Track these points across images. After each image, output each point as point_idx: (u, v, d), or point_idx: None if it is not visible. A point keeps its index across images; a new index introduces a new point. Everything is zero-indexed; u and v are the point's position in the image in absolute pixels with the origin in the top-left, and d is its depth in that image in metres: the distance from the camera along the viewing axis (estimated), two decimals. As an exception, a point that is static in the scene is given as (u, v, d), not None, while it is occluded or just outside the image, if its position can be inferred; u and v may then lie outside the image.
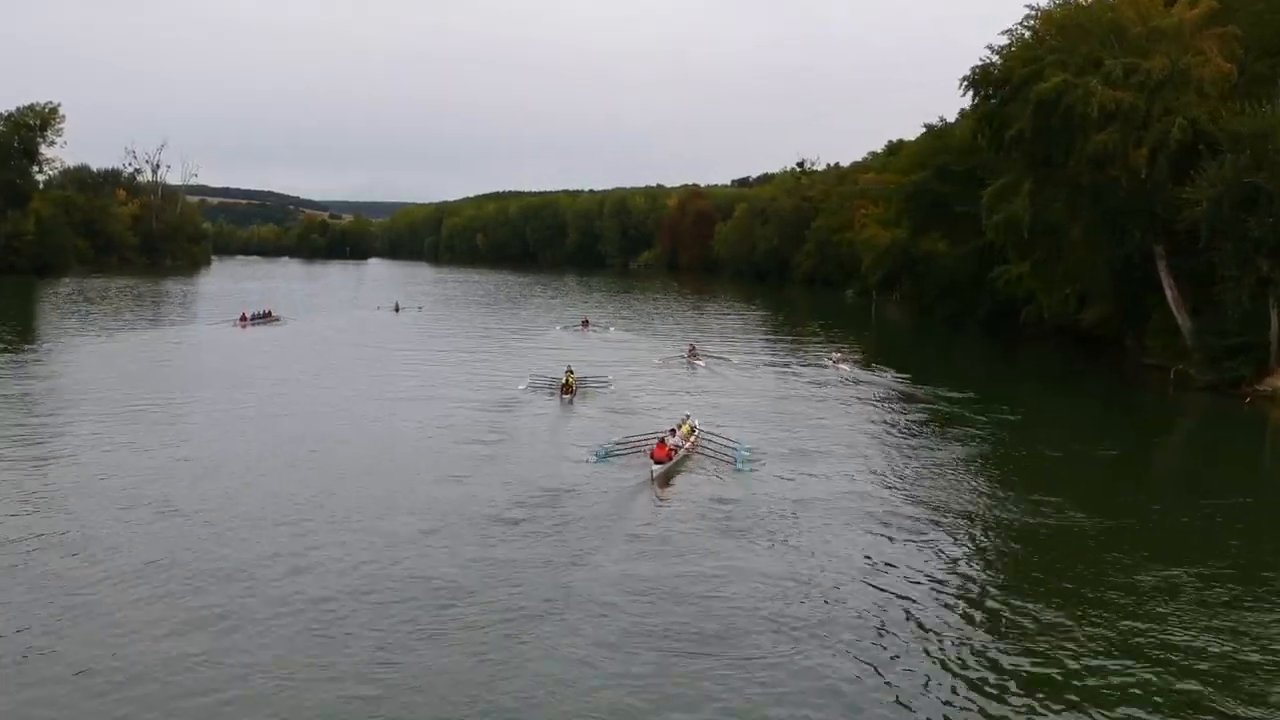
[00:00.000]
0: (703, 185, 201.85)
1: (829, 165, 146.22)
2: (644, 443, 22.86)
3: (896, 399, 34.28)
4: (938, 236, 55.14)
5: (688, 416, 25.25)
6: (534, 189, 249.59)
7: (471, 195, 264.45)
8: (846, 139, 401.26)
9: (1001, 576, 16.07)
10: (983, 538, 18.07)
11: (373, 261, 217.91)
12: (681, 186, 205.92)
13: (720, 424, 26.08)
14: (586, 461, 22.40)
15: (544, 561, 15.66)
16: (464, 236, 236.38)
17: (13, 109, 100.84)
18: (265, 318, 56.98)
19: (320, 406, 30.23)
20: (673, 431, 23.21)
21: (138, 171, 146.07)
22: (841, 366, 41.49)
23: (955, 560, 16.55)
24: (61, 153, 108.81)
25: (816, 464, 23.24)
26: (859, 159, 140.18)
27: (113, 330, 52.41)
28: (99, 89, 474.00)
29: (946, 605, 14.33)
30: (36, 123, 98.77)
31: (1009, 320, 49.66)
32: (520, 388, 33.22)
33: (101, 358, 40.99)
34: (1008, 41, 41.96)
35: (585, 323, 56.39)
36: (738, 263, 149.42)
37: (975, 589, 15.28)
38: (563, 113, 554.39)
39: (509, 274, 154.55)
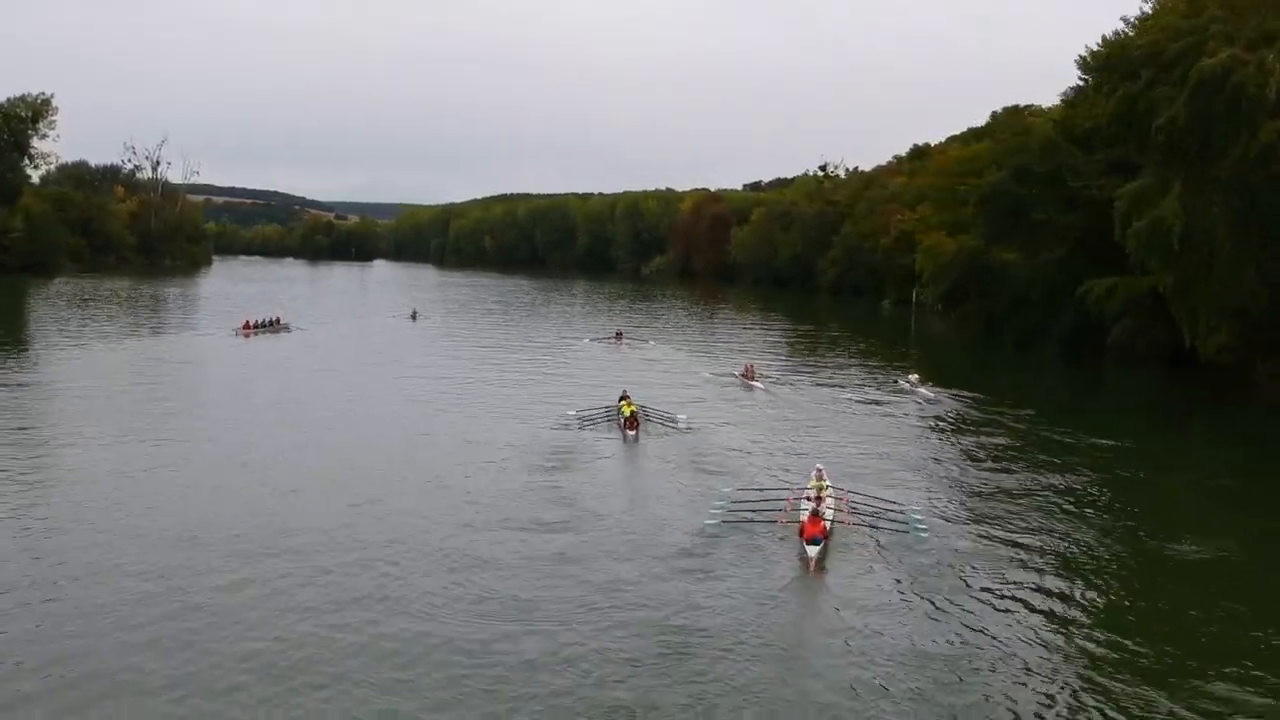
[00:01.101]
0: (712, 189, 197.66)
1: (849, 170, 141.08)
2: (769, 504, 18.07)
3: (1005, 432, 29.26)
4: (1011, 245, 49.57)
5: (819, 470, 19.94)
6: (535, 190, 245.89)
7: (476, 196, 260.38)
8: (857, 140, 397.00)
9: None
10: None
11: (378, 263, 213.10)
12: (692, 190, 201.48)
13: (829, 469, 20.91)
14: (702, 531, 17.39)
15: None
16: (471, 239, 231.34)
17: (2, 100, 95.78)
18: (271, 326, 51.74)
19: (339, 442, 25.41)
20: (816, 498, 17.90)
21: (137, 169, 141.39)
22: (921, 390, 36.39)
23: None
24: (57, 147, 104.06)
25: (982, 521, 18.93)
26: (881, 162, 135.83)
27: (96, 338, 47.37)
28: (100, 88, 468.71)
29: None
30: (28, 115, 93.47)
31: (1094, 341, 44.36)
32: (570, 414, 28.53)
33: (79, 371, 36.01)
34: (1149, 11, 35.96)
35: (619, 335, 51.17)
36: (756, 269, 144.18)
37: None
38: (564, 114, 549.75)
39: (519, 278, 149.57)
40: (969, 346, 57.67)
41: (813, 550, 15.42)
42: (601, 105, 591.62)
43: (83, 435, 24.48)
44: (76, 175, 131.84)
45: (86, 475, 20.60)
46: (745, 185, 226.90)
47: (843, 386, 38.82)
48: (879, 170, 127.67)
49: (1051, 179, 45.31)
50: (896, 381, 38.72)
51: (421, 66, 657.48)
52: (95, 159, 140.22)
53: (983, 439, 28.13)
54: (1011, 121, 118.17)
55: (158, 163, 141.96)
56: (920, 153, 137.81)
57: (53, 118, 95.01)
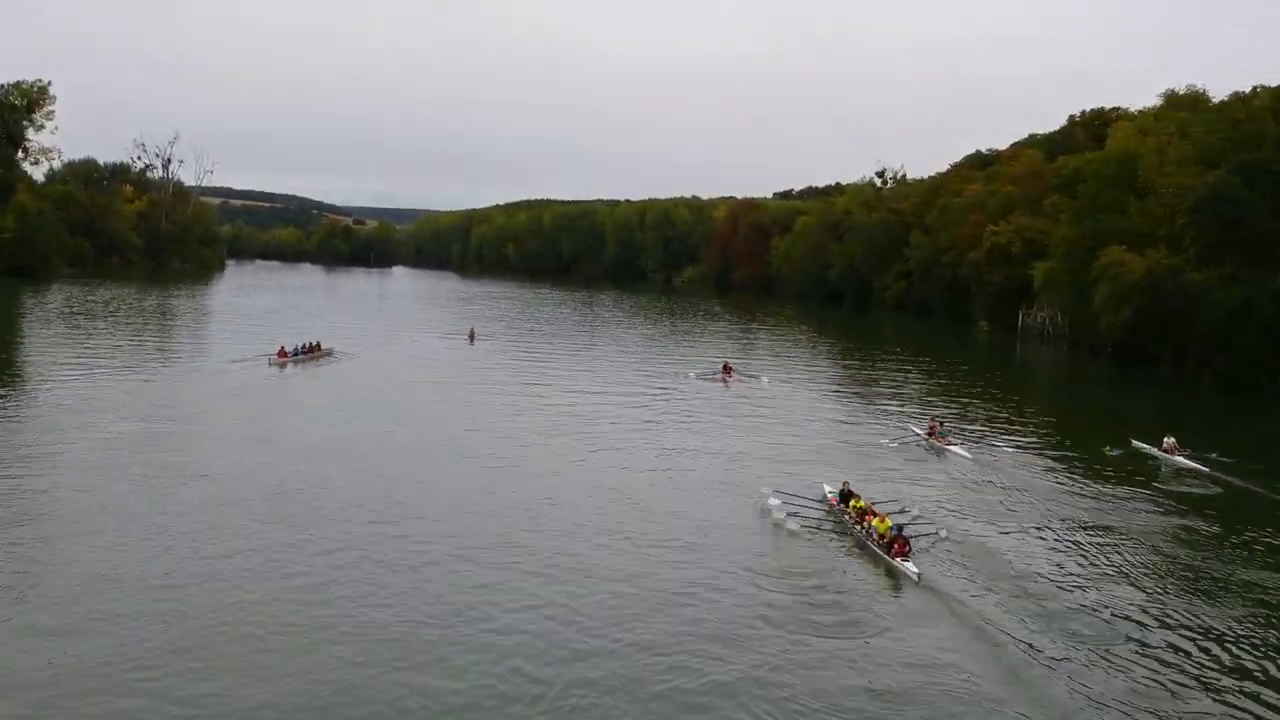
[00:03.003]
0: (738, 197, 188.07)
1: (897, 176, 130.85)
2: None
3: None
4: (1223, 264, 39.17)
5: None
6: (554, 197, 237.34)
7: (498, 203, 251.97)
8: (886, 149, 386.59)
9: None
10: None
11: (397, 270, 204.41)
12: (719, 198, 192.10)
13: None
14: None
15: None
16: (493, 246, 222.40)
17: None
18: (310, 352, 42.49)
19: (451, 517, 18.90)
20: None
21: (149, 167, 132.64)
22: (1179, 458, 26.62)
23: None
24: (59, 142, 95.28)
25: None
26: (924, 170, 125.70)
27: (78, 365, 37.83)
28: (114, 87, 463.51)
29: None
30: (23, 103, 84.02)
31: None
32: (772, 503, 20.62)
33: (49, 426, 26.53)
34: None
35: (727, 369, 40.90)
36: (803, 282, 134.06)
37: None
38: (583, 121, 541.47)
39: (549, 288, 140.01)
40: (1154, 388, 46.30)
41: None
42: (621, 113, 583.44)
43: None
44: (84, 173, 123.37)
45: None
46: (775, 194, 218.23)
47: (1063, 451, 28.99)
48: (946, 176, 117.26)
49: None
50: (1132, 443, 28.75)
51: (447, 74, 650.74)
52: (109, 158, 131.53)
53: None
54: (1091, 123, 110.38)
55: (169, 161, 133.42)
56: (985, 159, 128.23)
57: (50, 107, 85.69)
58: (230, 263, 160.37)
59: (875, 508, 19.77)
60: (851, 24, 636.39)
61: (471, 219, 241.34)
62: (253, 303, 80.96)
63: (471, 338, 54.52)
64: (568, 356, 48.90)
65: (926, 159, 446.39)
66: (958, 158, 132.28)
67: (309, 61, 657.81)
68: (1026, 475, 25.29)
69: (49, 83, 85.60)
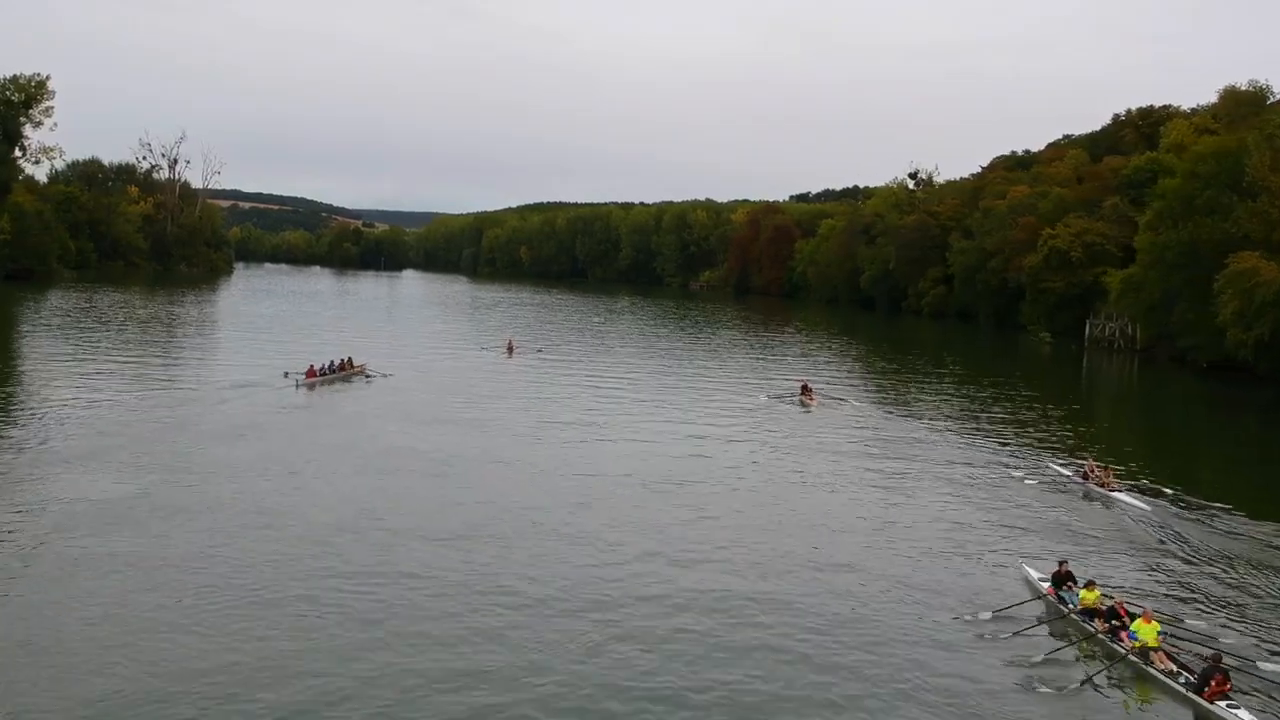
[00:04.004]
0: (752, 200, 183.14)
1: (925, 179, 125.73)
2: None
3: None
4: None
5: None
6: (565, 201, 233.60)
7: (511, 206, 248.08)
8: (906, 153, 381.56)
9: None
10: None
11: (407, 273, 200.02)
12: (734, 202, 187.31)
13: None
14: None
15: None
16: (506, 249, 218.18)
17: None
18: (342, 370, 37.58)
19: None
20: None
21: (155, 168, 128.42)
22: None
23: None
24: (60, 140, 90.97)
25: None
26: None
27: (68, 381, 33.07)
28: (121, 88, 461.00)
29: None
30: (19, 99, 79.25)
31: None
32: (989, 614, 14.89)
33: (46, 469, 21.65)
34: None
35: (806, 390, 35.72)
36: (830, 287, 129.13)
37: None
38: (596, 126, 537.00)
39: (566, 292, 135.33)
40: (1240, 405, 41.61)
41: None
42: (632, 118, 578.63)
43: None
44: (88, 173, 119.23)
45: None
46: (791, 197, 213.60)
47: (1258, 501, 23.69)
48: (985, 178, 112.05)
49: None
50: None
51: (456, 78, 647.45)
52: (114, 159, 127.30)
53: None
54: (1139, 122, 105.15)
55: (175, 161, 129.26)
56: (1020, 161, 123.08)
57: (49, 103, 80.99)
58: (239, 266, 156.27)
59: (1128, 605, 14.22)
60: (863, 28, 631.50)
61: (483, 222, 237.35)
62: (259, 309, 76.20)
63: (510, 350, 49.74)
64: (623, 374, 43.82)
65: (944, 161, 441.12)
66: (976, 160, 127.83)
67: (319, 63, 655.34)
68: (1240, 540, 20.19)
69: (47, 77, 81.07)
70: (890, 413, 35.25)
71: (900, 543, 18.64)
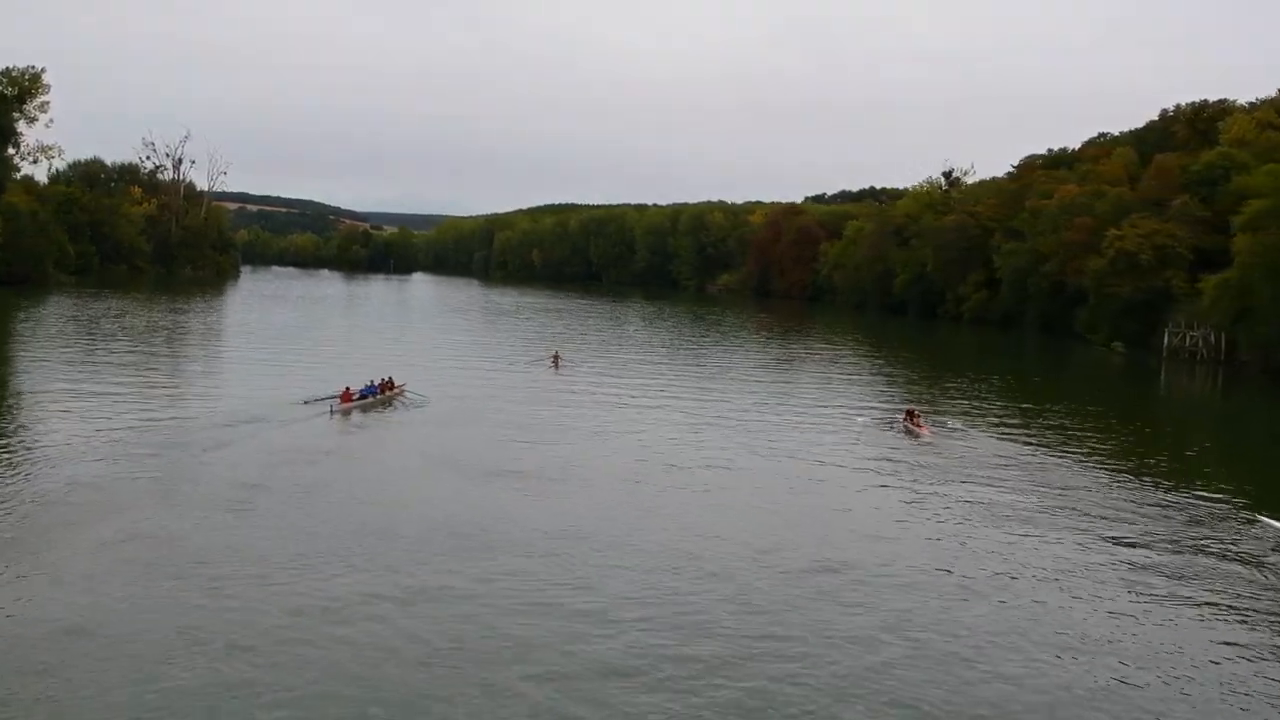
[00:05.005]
0: (769, 202, 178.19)
1: (953, 179, 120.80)
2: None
3: None
4: None
5: None
6: (579, 201, 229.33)
7: (521, 208, 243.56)
8: (917, 155, 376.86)
9: None
10: None
11: (417, 277, 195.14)
12: (751, 203, 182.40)
13: None
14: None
15: None
16: (517, 252, 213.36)
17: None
18: (382, 391, 32.54)
19: None
20: None
21: (158, 168, 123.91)
22: None
23: None
24: (58, 137, 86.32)
25: None
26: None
27: (57, 412, 28.05)
28: (127, 89, 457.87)
29: None
30: (12, 92, 74.34)
31: None
32: None
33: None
34: None
35: (912, 416, 30.49)
36: (858, 291, 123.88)
37: None
38: (603, 129, 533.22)
39: (582, 296, 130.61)
40: None
41: None
42: (640, 121, 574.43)
43: None
44: (90, 173, 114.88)
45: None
46: (807, 198, 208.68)
47: None
48: (1029, 176, 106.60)
49: None
50: None
51: (465, 82, 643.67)
52: (116, 158, 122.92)
53: None
54: (1193, 118, 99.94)
55: (179, 161, 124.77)
56: (1058, 159, 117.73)
57: (44, 98, 76.10)
58: (246, 269, 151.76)
59: None
60: (871, 32, 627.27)
61: (495, 224, 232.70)
62: (268, 319, 71.07)
63: (555, 362, 44.98)
64: (687, 390, 38.84)
65: (964, 161, 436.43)
66: (995, 160, 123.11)
67: (327, 63, 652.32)
68: None
69: (43, 70, 76.09)
70: (1002, 440, 30.03)
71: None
